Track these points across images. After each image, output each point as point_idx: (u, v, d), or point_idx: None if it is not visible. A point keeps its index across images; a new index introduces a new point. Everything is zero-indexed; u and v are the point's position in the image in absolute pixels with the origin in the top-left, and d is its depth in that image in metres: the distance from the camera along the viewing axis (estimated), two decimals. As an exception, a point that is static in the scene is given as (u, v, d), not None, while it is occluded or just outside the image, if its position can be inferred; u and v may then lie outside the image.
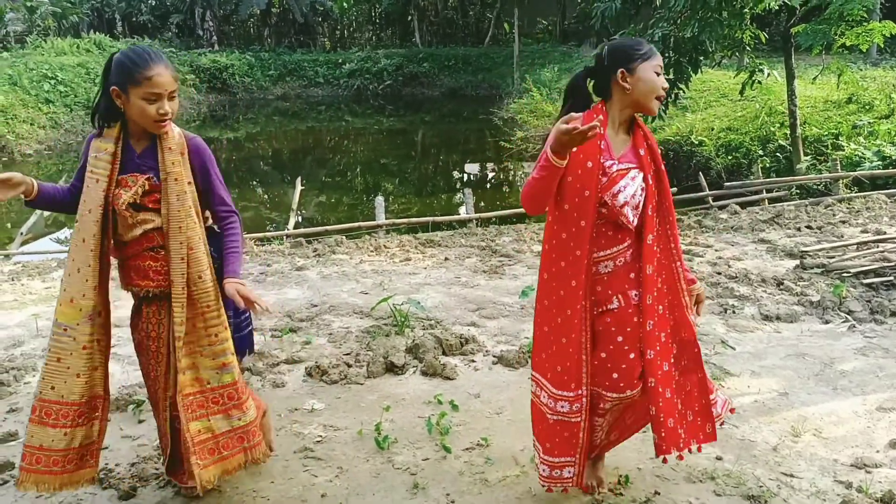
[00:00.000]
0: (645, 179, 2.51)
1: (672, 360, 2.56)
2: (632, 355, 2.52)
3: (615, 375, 2.52)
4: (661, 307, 2.53)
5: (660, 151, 2.62)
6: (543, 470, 2.64)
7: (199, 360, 2.58)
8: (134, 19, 30.17)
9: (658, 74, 2.48)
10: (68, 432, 2.53)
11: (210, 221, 2.74)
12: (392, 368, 3.97)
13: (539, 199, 2.46)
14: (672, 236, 2.57)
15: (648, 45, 2.52)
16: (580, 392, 2.52)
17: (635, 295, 2.54)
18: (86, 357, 2.54)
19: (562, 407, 2.55)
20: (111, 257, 2.65)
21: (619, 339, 2.53)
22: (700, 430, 2.63)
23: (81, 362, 2.53)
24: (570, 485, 2.63)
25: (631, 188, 2.49)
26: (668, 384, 2.53)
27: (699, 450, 2.64)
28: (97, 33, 25.03)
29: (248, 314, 2.89)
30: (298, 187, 10.22)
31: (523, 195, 2.48)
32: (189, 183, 2.57)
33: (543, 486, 2.69)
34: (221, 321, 2.60)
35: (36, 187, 2.57)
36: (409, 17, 31.64)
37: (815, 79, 12.10)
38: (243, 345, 2.89)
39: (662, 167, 2.56)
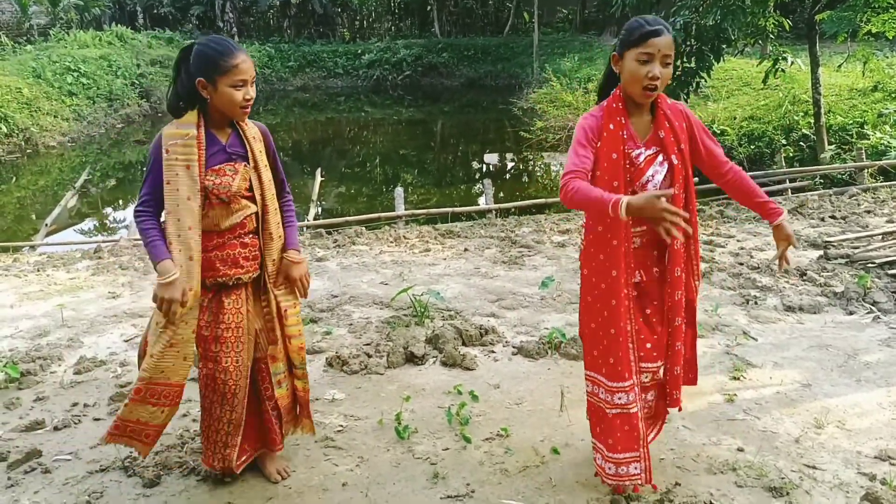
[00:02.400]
0: (669, 160, 2.52)
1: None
2: (659, 327, 2.60)
3: (648, 345, 2.59)
4: (684, 276, 2.60)
5: (691, 123, 2.60)
6: (609, 468, 2.61)
7: (299, 323, 2.82)
8: (155, 11, 30.34)
9: (644, 63, 2.41)
10: (165, 410, 2.65)
11: None
12: (412, 359, 3.98)
13: (580, 209, 2.49)
14: (692, 212, 2.57)
15: (647, 28, 2.40)
16: (633, 381, 2.56)
17: (656, 271, 2.61)
18: (189, 345, 2.62)
19: (619, 399, 2.56)
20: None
21: (648, 311, 2.61)
22: (685, 377, 2.75)
23: (191, 347, 2.62)
24: (639, 482, 2.59)
25: (660, 175, 2.52)
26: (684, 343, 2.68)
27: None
28: (119, 25, 25.17)
29: None
30: (318, 178, 10.26)
31: (569, 199, 2.40)
32: (267, 168, 2.74)
33: (611, 484, 2.68)
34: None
35: (173, 268, 2.52)
36: (429, 7, 31.54)
37: (839, 66, 11.91)
38: None
39: (684, 146, 2.55)
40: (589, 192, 2.35)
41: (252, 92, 2.58)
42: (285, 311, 2.75)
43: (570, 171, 2.43)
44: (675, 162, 2.52)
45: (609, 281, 2.53)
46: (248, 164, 2.66)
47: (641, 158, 2.49)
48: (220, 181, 2.59)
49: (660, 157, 2.52)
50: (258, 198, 2.67)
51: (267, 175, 2.71)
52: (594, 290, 2.58)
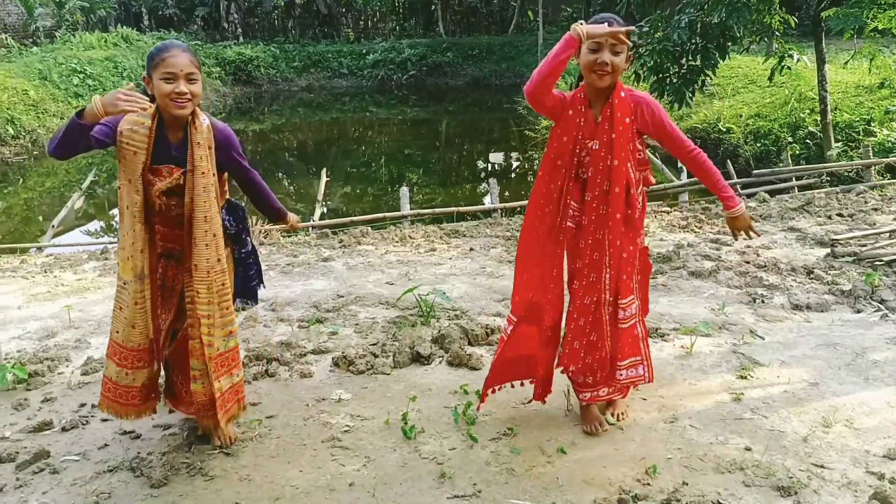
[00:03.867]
0: (596, 142, 2.89)
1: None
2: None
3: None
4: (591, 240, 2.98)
5: (642, 112, 2.91)
6: None
7: (215, 330, 2.91)
8: (160, 13, 30.42)
9: (594, 51, 2.75)
10: (129, 372, 2.91)
11: (227, 196, 3.09)
12: (418, 359, 3.98)
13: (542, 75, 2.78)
14: (611, 197, 2.89)
15: (601, 18, 2.79)
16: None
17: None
18: (139, 311, 2.85)
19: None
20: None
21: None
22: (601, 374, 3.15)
23: (135, 314, 2.84)
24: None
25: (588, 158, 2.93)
26: None
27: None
28: (124, 27, 25.27)
29: (255, 271, 3.23)
30: (323, 178, 10.26)
31: (531, 81, 2.80)
32: (214, 175, 2.84)
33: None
34: (229, 294, 2.95)
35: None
36: (433, 7, 31.55)
37: (846, 63, 11.90)
38: (248, 294, 3.24)
39: (615, 134, 2.85)
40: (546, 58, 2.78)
41: (184, 87, 2.64)
42: (199, 318, 2.86)
43: None
44: (595, 147, 2.88)
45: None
46: (185, 169, 2.78)
47: (594, 146, 2.88)
48: (153, 179, 2.79)
49: (595, 143, 2.89)
50: (187, 201, 2.80)
51: (203, 182, 2.78)
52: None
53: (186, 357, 2.94)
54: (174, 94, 2.64)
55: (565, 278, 3.13)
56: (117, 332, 2.87)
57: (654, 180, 3.20)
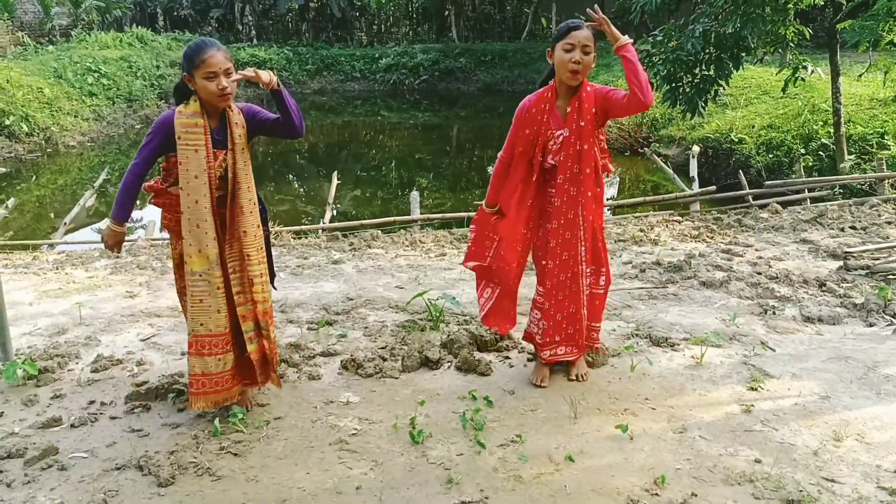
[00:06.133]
0: (564, 132, 3.33)
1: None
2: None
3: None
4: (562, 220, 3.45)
5: (599, 98, 3.32)
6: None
7: (266, 286, 3.22)
8: (175, 14, 30.60)
9: (568, 51, 3.20)
10: (221, 358, 3.15)
11: None
12: (427, 363, 3.97)
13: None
14: (580, 180, 3.34)
15: (569, 25, 3.24)
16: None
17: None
18: (220, 296, 3.10)
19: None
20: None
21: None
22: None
23: (218, 300, 3.10)
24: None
25: (557, 145, 3.37)
26: None
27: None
28: (139, 27, 25.45)
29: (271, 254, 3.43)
30: (334, 181, 10.28)
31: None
32: (244, 150, 3.12)
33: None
34: (265, 256, 3.25)
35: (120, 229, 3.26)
36: (446, 12, 31.61)
37: (860, 76, 11.81)
38: (272, 276, 3.42)
39: (584, 123, 3.28)
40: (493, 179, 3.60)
41: (225, 82, 2.93)
42: (252, 279, 3.14)
43: (501, 155, 3.53)
44: (566, 134, 3.33)
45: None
46: (227, 149, 3.07)
47: (561, 139, 3.34)
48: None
49: (565, 131, 3.34)
50: (230, 177, 3.07)
51: (243, 157, 3.09)
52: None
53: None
54: (218, 89, 2.93)
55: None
56: (201, 324, 3.09)
57: (612, 168, 3.64)
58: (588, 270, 3.48)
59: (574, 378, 3.69)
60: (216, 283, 3.07)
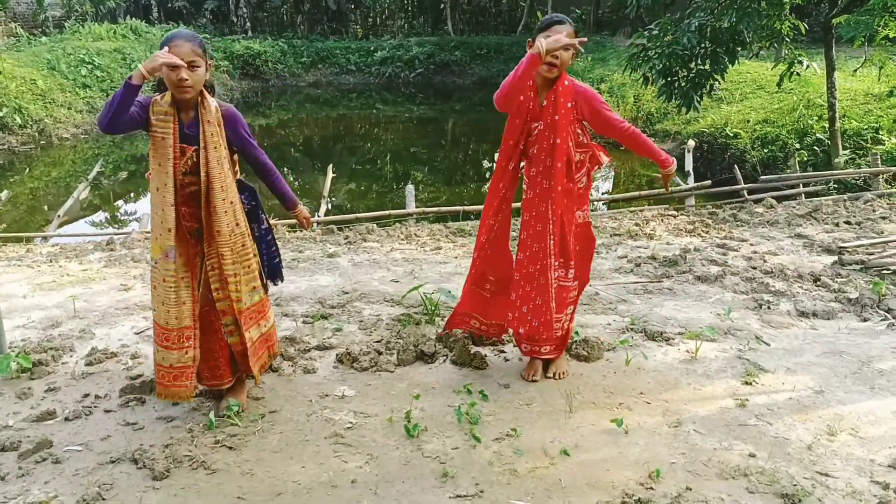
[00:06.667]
0: (540, 124, 3.38)
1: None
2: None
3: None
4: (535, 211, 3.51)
5: (581, 99, 3.39)
6: None
7: (241, 286, 3.17)
8: (169, 5, 30.40)
9: None
10: (176, 353, 3.12)
11: (239, 175, 3.29)
12: (422, 357, 3.97)
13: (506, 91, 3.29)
14: (554, 172, 3.38)
15: (553, 19, 3.35)
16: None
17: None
18: (171, 289, 3.07)
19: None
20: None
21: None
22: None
23: (168, 292, 3.07)
24: None
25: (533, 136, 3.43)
26: None
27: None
28: (133, 19, 25.25)
29: (275, 248, 3.47)
30: (329, 174, 10.26)
31: (499, 92, 3.30)
32: (225, 149, 3.09)
33: None
34: (250, 254, 3.21)
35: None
36: (442, 6, 31.51)
37: (855, 71, 11.84)
38: (274, 273, 3.46)
39: (558, 116, 3.33)
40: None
41: (184, 74, 2.88)
42: (226, 278, 3.12)
43: None
44: (541, 127, 3.38)
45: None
46: (198, 146, 3.02)
47: (537, 130, 3.40)
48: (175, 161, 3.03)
49: (540, 124, 3.39)
50: (202, 176, 3.03)
51: (215, 155, 3.03)
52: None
53: (209, 324, 3.23)
54: (177, 80, 2.89)
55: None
56: (157, 312, 3.12)
57: (604, 160, 3.62)
58: (556, 263, 3.50)
59: (551, 376, 3.69)
60: (163, 276, 3.06)
